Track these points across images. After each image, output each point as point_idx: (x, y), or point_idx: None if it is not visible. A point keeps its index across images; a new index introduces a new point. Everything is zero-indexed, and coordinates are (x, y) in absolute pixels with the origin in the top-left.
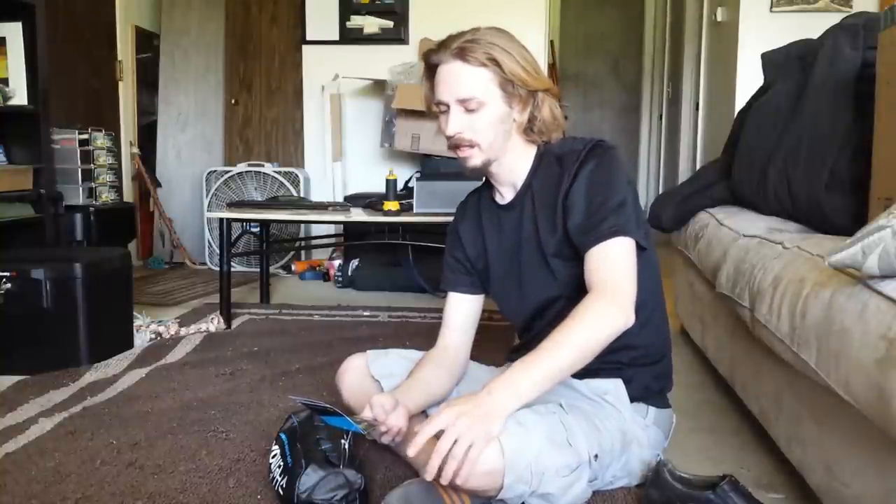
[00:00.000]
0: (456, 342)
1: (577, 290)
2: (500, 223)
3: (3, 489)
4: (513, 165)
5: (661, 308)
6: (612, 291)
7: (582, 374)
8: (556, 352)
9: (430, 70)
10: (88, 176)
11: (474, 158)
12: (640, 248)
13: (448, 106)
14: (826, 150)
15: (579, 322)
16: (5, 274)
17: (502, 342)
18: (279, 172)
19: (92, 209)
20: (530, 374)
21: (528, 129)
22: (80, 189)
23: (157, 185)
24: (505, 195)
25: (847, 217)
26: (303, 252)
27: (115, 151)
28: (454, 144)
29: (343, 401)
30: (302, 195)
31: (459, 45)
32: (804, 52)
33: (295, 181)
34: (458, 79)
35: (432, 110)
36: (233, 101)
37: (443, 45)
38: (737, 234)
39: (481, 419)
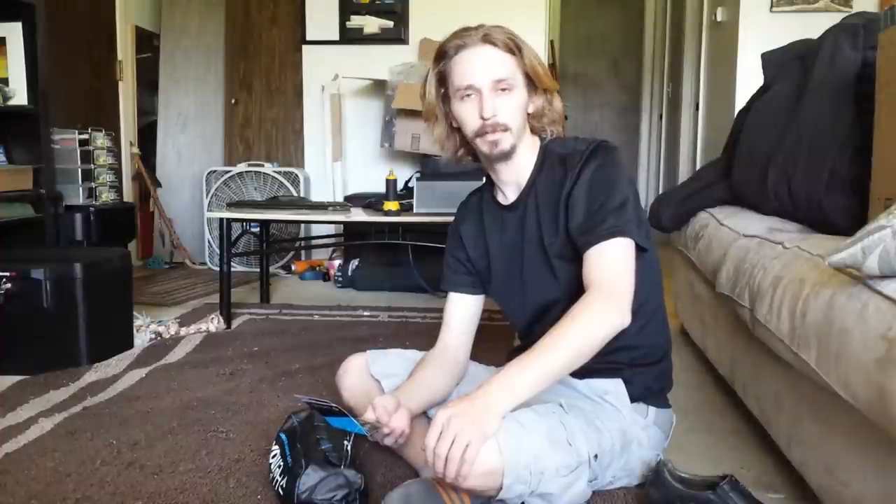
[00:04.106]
0: (456, 342)
1: (578, 293)
2: (503, 223)
3: (3, 489)
4: (519, 162)
5: (661, 308)
6: (609, 291)
7: (582, 373)
8: (551, 351)
9: (446, 60)
10: (88, 176)
11: (505, 142)
12: (641, 249)
13: (478, 90)
14: (826, 150)
15: (576, 322)
16: (5, 274)
17: (502, 342)
18: (279, 172)
19: (92, 209)
20: (525, 373)
21: (539, 118)
22: (80, 189)
23: (157, 185)
24: (508, 195)
25: (847, 217)
26: (303, 252)
27: (115, 151)
28: (487, 129)
29: (343, 401)
30: (302, 195)
31: (485, 32)
32: (804, 52)
33: (295, 181)
34: (491, 61)
35: (430, 119)
36: (233, 101)
37: (461, 35)
38: (737, 234)
39: (477, 418)
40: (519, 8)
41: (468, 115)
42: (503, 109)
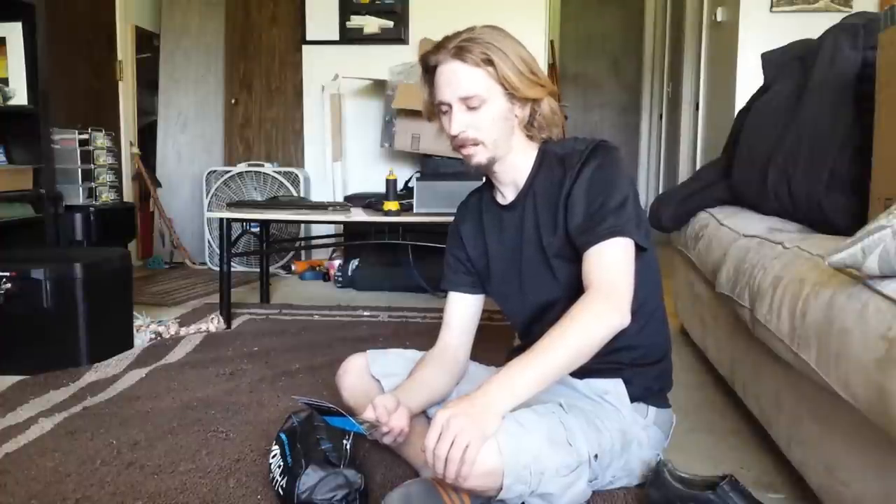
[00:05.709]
0: (456, 342)
1: (577, 293)
2: (502, 223)
3: (3, 489)
4: (515, 163)
5: (661, 308)
6: (608, 292)
7: (582, 373)
8: (551, 351)
9: (429, 73)
10: (88, 176)
11: (479, 156)
12: (641, 249)
13: (450, 106)
14: (826, 150)
15: (575, 322)
16: (5, 274)
17: (502, 342)
18: (279, 172)
19: (92, 209)
20: (525, 374)
21: (529, 125)
22: (80, 189)
23: (157, 185)
24: (507, 195)
25: (847, 217)
26: (303, 252)
27: (115, 151)
28: (459, 144)
29: (343, 401)
30: (302, 195)
31: (457, 45)
32: (804, 52)
33: (295, 181)
34: (457, 78)
35: (432, 119)
36: (233, 101)
37: (439, 46)
38: (737, 234)
39: (476, 419)
40: (519, 8)
41: (445, 128)
42: (473, 125)
